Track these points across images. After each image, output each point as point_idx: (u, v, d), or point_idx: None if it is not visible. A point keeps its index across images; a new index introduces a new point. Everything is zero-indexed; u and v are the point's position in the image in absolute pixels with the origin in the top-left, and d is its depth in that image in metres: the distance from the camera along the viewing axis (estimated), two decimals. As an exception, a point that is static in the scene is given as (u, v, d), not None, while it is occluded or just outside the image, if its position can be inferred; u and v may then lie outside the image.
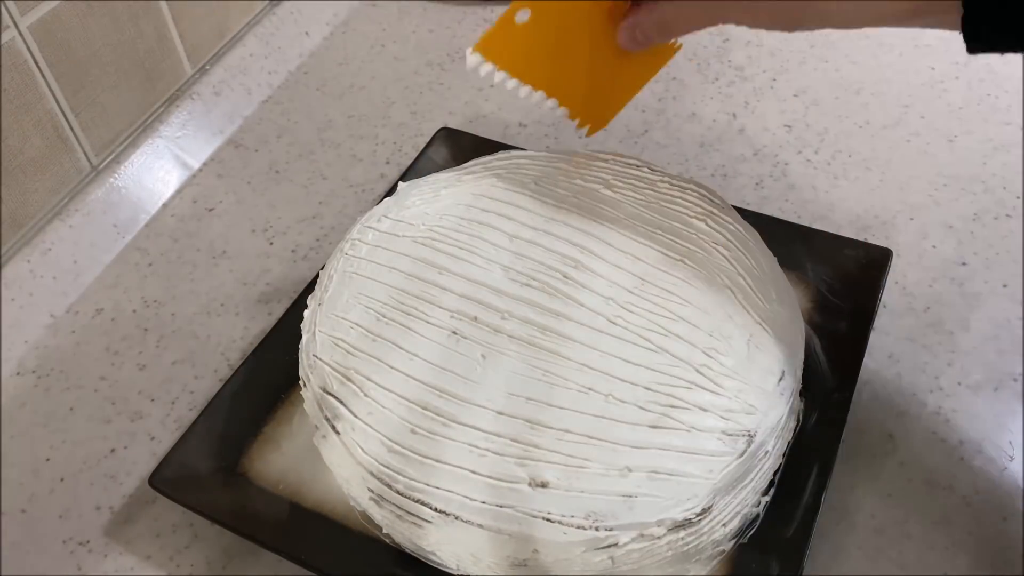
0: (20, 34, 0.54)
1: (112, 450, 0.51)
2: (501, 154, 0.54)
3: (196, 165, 0.68)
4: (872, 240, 0.57)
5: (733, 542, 0.42)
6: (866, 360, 0.51)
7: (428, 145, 0.63)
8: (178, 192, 0.66)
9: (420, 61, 0.74)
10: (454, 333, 0.45)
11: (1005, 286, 0.55)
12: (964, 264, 0.56)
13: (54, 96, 0.58)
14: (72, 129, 0.60)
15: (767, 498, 0.43)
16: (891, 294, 0.54)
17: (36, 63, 0.56)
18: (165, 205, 0.65)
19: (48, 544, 0.48)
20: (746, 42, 0.73)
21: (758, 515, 0.43)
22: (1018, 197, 0.59)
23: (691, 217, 0.49)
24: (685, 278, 0.46)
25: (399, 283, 0.47)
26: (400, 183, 0.54)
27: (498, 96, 0.70)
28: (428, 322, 0.45)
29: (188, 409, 0.53)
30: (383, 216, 0.51)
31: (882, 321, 0.53)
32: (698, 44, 0.73)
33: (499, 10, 0.78)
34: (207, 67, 0.70)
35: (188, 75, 0.69)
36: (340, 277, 0.48)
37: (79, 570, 0.47)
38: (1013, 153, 0.62)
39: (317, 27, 0.78)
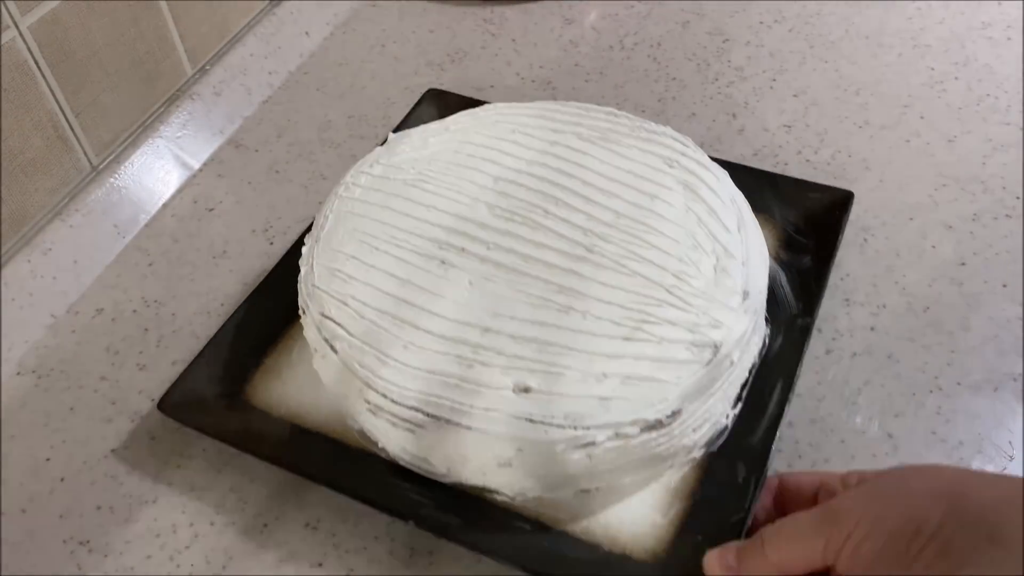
0: (20, 34, 0.54)
1: (112, 450, 0.51)
2: (487, 106, 0.58)
3: (196, 165, 0.68)
4: (872, 240, 0.57)
5: (704, 451, 0.46)
6: (866, 359, 0.51)
7: (417, 104, 0.66)
8: (178, 192, 0.66)
9: (420, 61, 0.74)
10: (443, 263, 0.48)
11: (1005, 286, 0.55)
12: (964, 264, 0.56)
13: (54, 96, 0.58)
14: (72, 129, 0.60)
15: (735, 411, 0.47)
16: (891, 294, 0.54)
17: (36, 63, 0.56)
18: (165, 205, 0.65)
19: (48, 544, 0.48)
20: (746, 42, 0.73)
21: (727, 426, 0.46)
22: (1018, 197, 0.59)
23: (664, 159, 0.52)
24: (658, 212, 0.49)
25: (391, 219, 0.50)
26: (391, 134, 0.57)
27: (497, 97, 0.70)
28: (419, 253, 0.49)
29: (188, 409, 0.53)
30: (375, 162, 0.54)
31: (882, 321, 0.53)
32: (698, 44, 0.73)
33: (499, 10, 0.78)
34: (207, 67, 0.70)
35: (188, 75, 0.69)
36: (336, 216, 0.52)
37: (79, 570, 0.47)
38: (1013, 153, 0.62)
39: (317, 27, 0.78)
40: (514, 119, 0.55)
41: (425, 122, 0.61)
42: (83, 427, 0.52)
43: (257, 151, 0.69)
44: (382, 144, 0.57)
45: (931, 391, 0.50)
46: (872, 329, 0.53)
